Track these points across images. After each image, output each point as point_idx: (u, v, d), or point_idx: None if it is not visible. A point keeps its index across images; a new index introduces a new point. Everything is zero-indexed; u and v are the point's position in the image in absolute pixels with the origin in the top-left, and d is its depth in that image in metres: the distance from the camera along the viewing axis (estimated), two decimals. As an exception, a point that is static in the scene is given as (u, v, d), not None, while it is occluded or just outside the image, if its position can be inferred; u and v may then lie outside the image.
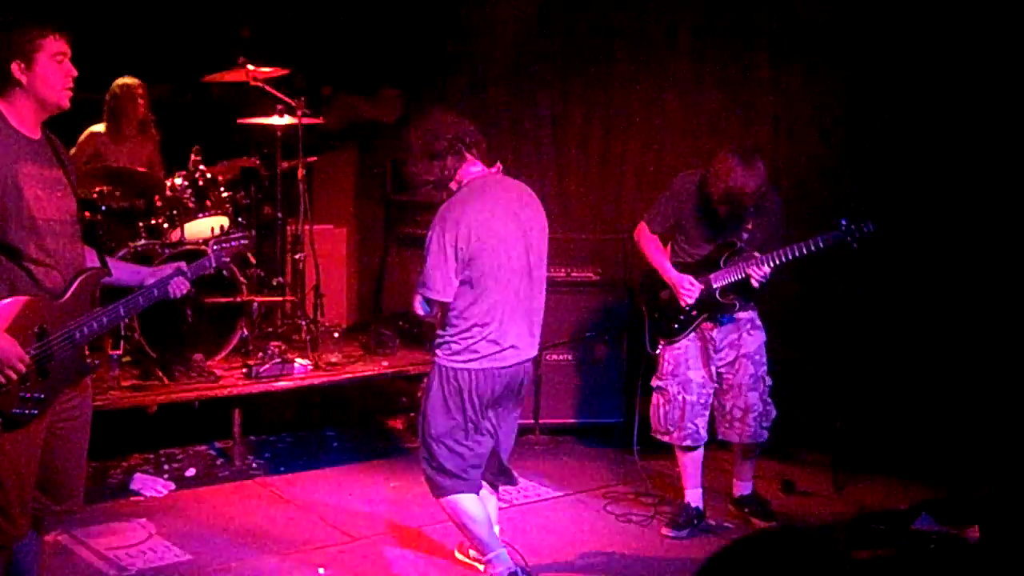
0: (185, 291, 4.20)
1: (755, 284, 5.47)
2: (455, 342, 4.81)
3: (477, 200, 4.81)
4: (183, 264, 4.24)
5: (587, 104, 8.47)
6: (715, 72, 7.65)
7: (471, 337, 4.78)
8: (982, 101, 6.28)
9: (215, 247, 4.44)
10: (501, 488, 5.32)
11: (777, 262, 5.42)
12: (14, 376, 3.59)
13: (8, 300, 3.64)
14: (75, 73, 3.82)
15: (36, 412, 3.70)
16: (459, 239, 4.70)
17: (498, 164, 5.04)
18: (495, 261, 4.74)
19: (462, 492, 4.89)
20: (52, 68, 3.76)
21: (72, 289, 3.80)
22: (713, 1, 7.58)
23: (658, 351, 5.82)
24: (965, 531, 5.52)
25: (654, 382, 5.84)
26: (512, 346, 4.84)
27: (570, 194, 8.63)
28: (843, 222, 5.34)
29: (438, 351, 4.88)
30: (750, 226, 5.57)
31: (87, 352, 4.00)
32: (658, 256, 5.73)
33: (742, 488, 5.97)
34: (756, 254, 5.48)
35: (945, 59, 6.39)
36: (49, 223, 3.77)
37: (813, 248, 5.38)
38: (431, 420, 4.89)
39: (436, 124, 4.92)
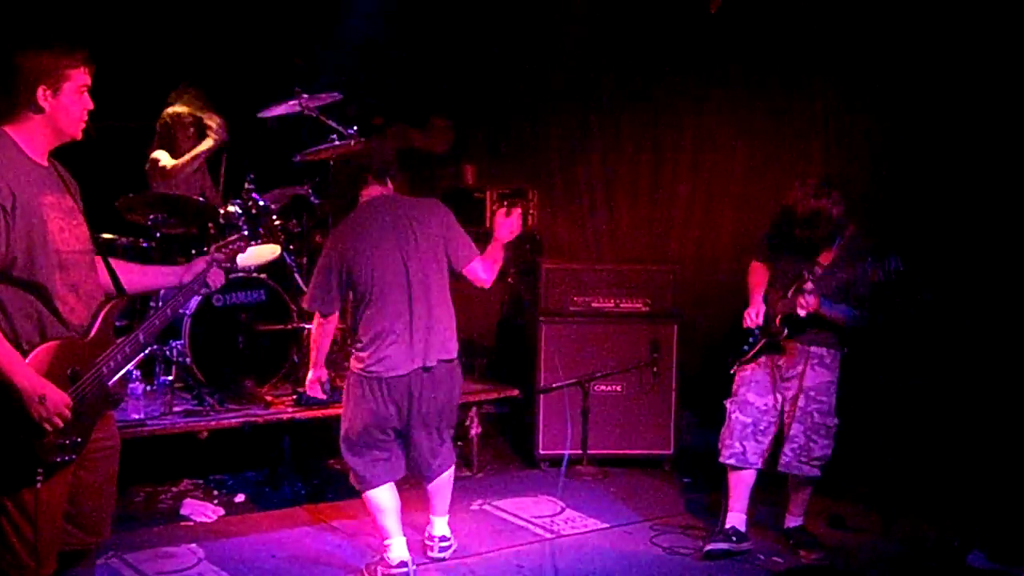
0: (223, 281, 4.32)
1: (801, 314, 5.51)
2: (358, 351, 5.38)
3: (356, 223, 5.43)
4: (217, 256, 4.32)
5: (637, 136, 8.49)
6: (767, 106, 7.64)
7: (369, 346, 5.33)
8: None
9: (215, 253, 4.43)
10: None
11: (817, 287, 5.46)
12: (60, 424, 3.51)
13: (41, 347, 3.54)
14: (92, 107, 3.75)
15: (73, 457, 3.64)
16: (336, 256, 5.35)
17: (389, 185, 5.55)
18: (372, 275, 5.31)
19: (373, 487, 5.40)
20: (75, 99, 3.69)
21: (97, 324, 3.72)
22: (765, 36, 7.57)
23: (733, 371, 5.90)
24: (1019, 569, 5.46)
25: (725, 402, 5.92)
26: (406, 354, 5.31)
27: (620, 225, 8.65)
28: (869, 259, 5.38)
29: (351, 360, 5.46)
30: (827, 263, 5.64)
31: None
32: (753, 281, 5.86)
33: (791, 521, 5.98)
34: (808, 285, 5.49)
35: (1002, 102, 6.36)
36: (72, 255, 3.69)
37: (850, 277, 5.44)
38: (344, 423, 5.46)
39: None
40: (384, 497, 5.42)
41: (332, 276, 5.36)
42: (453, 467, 5.70)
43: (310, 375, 5.71)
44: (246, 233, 4.57)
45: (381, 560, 5.44)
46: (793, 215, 5.56)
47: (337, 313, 5.51)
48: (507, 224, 5.48)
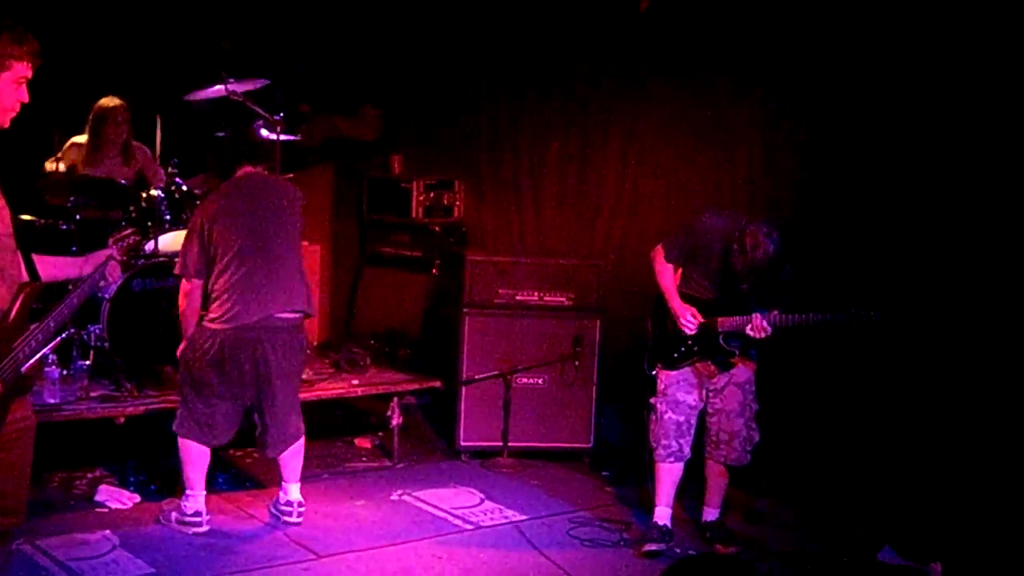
0: (120, 275, 4.32)
1: (751, 334, 5.54)
2: (213, 310, 5.67)
3: (224, 196, 5.82)
4: (114, 251, 4.24)
5: (566, 131, 8.51)
6: (694, 106, 7.69)
7: (222, 305, 5.62)
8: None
9: (111, 247, 4.36)
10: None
11: (780, 324, 5.49)
12: None
13: None
14: (27, 100, 3.67)
15: None
16: (203, 224, 5.66)
17: (260, 168, 5.99)
18: (232, 242, 5.62)
19: (192, 440, 5.74)
20: (10, 90, 3.62)
21: (16, 307, 3.66)
22: (695, 37, 7.61)
23: (654, 373, 5.91)
24: (928, 566, 5.58)
25: (651, 400, 5.92)
26: (257, 312, 5.63)
27: (547, 219, 8.66)
28: (852, 307, 5.41)
29: (204, 320, 5.75)
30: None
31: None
32: (668, 283, 5.81)
33: (709, 514, 6.05)
34: (775, 312, 5.49)
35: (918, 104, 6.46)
36: (1, 239, 3.65)
37: (816, 320, 5.46)
38: (185, 371, 5.76)
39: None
40: (192, 448, 5.77)
41: (198, 242, 5.68)
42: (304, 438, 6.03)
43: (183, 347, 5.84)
44: (138, 228, 4.53)
45: (177, 506, 5.82)
46: (743, 264, 5.43)
47: (202, 281, 5.73)
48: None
